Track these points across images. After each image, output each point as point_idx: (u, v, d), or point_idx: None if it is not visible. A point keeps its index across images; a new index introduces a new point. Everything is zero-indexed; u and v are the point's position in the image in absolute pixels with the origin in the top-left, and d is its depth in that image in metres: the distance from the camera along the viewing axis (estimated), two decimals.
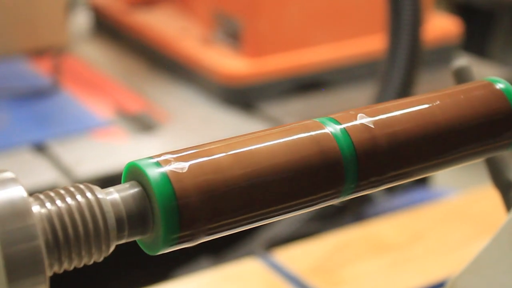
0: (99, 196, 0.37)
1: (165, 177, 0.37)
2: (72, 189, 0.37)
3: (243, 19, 1.46)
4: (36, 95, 1.43)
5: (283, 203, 0.40)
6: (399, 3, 1.07)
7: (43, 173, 1.20)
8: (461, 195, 1.12)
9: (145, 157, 0.38)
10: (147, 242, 0.39)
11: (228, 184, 0.38)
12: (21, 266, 0.33)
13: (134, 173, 0.38)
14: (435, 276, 0.86)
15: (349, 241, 0.93)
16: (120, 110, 1.41)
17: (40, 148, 1.28)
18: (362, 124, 0.42)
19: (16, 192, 0.34)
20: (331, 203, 0.42)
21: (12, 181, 0.35)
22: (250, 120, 1.40)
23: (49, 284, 0.34)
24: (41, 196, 0.36)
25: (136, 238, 0.38)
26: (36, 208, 0.35)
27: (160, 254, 0.39)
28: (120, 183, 0.39)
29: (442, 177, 1.51)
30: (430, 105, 0.44)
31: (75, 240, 0.35)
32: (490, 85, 0.46)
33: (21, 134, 1.31)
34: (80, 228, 0.36)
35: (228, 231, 0.39)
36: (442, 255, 0.90)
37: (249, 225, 0.40)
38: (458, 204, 1.04)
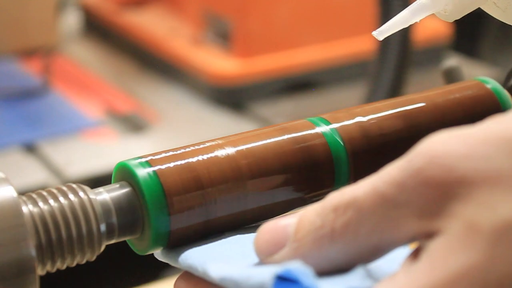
0: (89, 196, 0.37)
1: (155, 176, 0.37)
2: (62, 189, 0.37)
3: (233, 19, 1.46)
4: (26, 95, 1.43)
5: (274, 202, 0.40)
6: (388, 3, 1.08)
7: (33, 173, 1.20)
8: None
9: (134, 157, 0.38)
10: (137, 242, 0.38)
11: (218, 184, 0.38)
12: (11, 265, 0.33)
13: (123, 173, 0.38)
14: None
15: None
16: (110, 110, 1.40)
17: (30, 148, 1.28)
18: (352, 124, 0.42)
19: (6, 192, 0.34)
20: None
21: (2, 181, 0.35)
22: (240, 121, 1.40)
23: (39, 283, 0.34)
24: (31, 196, 0.36)
25: (126, 238, 0.38)
26: (26, 208, 0.35)
27: (150, 254, 0.39)
28: (110, 183, 0.38)
29: None
30: (420, 104, 0.44)
31: (64, 240, 0.35)
32: (479, 84, 0.46)
33: (11, 134, 1.31)
34: (70, 228, 0.36)
35: (218, 231, 0.39)
36: None
37: (240, 225, 0.40)
38: None
